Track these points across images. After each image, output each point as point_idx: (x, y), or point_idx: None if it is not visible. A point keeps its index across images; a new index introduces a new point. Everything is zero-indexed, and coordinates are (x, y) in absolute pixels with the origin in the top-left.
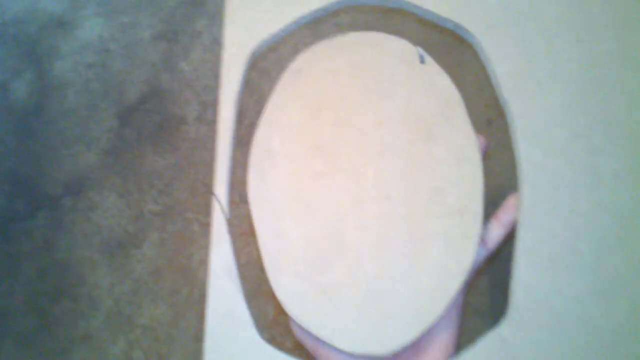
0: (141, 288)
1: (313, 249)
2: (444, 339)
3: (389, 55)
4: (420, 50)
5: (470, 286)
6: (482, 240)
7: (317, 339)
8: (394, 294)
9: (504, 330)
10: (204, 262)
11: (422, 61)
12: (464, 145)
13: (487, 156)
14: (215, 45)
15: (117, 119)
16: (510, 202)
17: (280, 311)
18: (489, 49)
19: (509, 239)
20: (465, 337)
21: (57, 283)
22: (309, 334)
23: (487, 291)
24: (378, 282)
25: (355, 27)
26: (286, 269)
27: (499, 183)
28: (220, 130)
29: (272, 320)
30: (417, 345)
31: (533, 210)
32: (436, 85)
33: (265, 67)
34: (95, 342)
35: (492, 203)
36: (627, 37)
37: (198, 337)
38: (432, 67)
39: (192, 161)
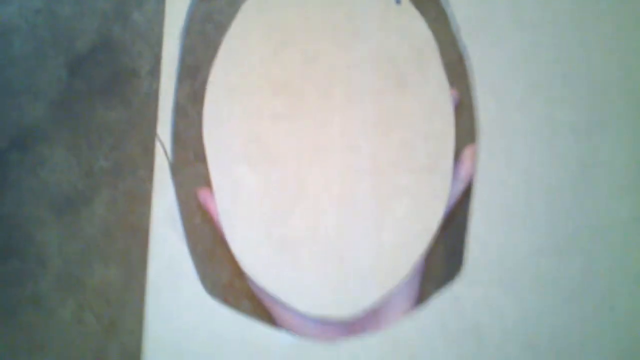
0: (91, 248)
1: (270, 199)
2: (405, 304)
3: None
4: None
5: (430, 249)
6: None
7: (273, 298)
8: (356, 252)
9: (456, 287)
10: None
11: (398, 1)
12: (437, 98)
13: (458, 111)
14: None
15: (66, 68)
16: (466, 154)
17: (236, 275)
18: None
19: (467, 196)
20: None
21: (4, 242)
22: (266, 292)
23: (445, 254)
24: (339, 240)
25: None
26: (241, 220)
27: (461, 142)
28: (163, 69)
29: (227, 284)
30: (376, 310)
31: (489, 163)
32: (411, 30)
33: (221, 21)
34: (44, 304)
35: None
36: None
37: None
38: (408, 9)
39: (144, 116)
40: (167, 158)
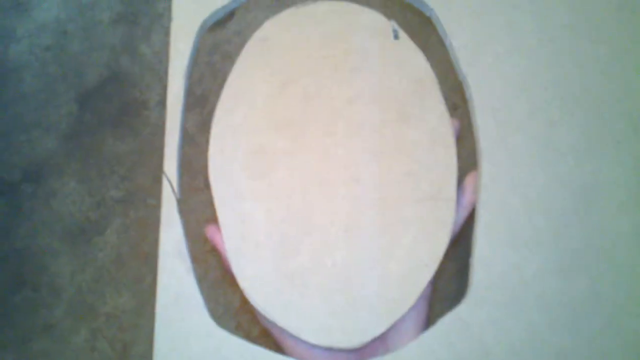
0: (104, 276)
1: (278, 234)
2: (413, 329)
3: (361, 27)
4: (395, 24)
5: (436, 273)
6: None
7: (282, 330)
8: (363, 283)
9: (463, 310)
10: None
11: (396, 37)
12: (437, 128)
13: (460, 140)
14: None
15: (76, 103)
16: (468, 181)
17: (247, 300)
18: (446, 21)
19: (471, 221)
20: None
21: (17, 272)
22: (274, 324)
23: (451, 277)
24: (346, 271)
25: None
26: (249, 255)
27: (464, 169)
28: (169, 104)
29: (239, 308)
30: (384, 337)
31: (492, 187)
32: (410, 63)
33: (229, 51)
34: (57, 332)
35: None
36: (584, 10)
37: None
38: (406, 44)
39: (153, 146)
40: (174, 194)
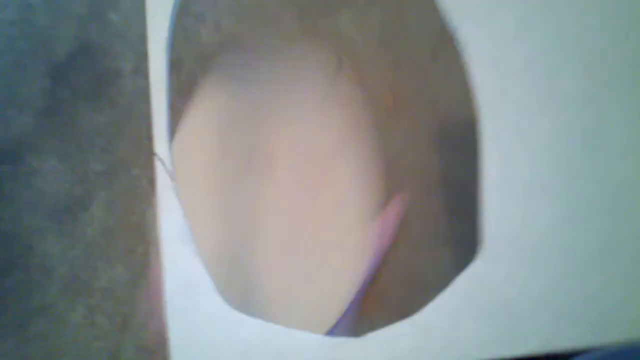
0: (94, 251)
1: (225, 249)
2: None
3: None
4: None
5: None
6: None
7: None
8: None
9: (479, 267)
10: (157, 218)
11: (340, 68)
12: (365, 162)
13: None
14: None
15: (48, 78)
16: (390, 207)
17: None
18: None
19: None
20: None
21: (6, 256)
22: None
23: (458, 240)
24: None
25: None
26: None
27: (451, 116)
28: (153, 84)
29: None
30: None
31: (495, 141)
32: (347, 105)
33: (200, 11)
34: (53, 312)
35: (446, 135)
36: None
37: None
38: (347, 80)
39: (132, 115)
40: (170, 175)
